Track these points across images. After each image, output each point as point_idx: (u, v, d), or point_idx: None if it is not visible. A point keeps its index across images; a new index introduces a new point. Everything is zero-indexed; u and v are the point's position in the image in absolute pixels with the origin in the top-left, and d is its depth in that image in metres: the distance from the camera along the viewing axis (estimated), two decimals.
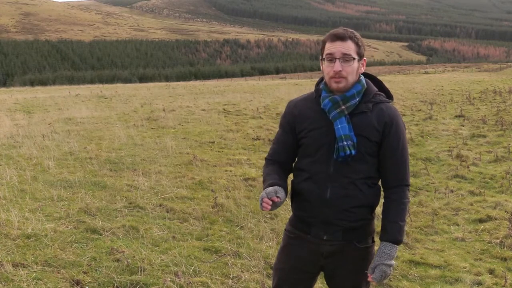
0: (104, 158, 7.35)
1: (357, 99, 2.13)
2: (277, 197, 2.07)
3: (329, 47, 2.10)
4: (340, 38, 2.09)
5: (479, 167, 7.82)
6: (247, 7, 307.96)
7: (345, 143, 2.08)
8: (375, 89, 2.22)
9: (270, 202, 2.05)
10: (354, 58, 2.09)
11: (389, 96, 2.26)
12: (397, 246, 2.16)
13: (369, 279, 2.15)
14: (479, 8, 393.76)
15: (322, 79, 2.25)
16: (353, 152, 2.09)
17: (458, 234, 4.91)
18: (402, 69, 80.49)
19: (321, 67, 2.20)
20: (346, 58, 2.08)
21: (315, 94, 2.23)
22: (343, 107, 2.11)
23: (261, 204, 2.07)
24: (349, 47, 2.09)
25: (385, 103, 2.19)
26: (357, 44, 2.11)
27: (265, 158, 2.38)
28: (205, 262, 3.89)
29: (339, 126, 2.10)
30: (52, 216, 4.62)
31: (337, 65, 2.08)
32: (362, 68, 2.17)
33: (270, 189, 2.10)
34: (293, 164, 2.32)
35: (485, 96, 20.07)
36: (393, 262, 2.14)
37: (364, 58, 2.18)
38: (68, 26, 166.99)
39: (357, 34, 2.14)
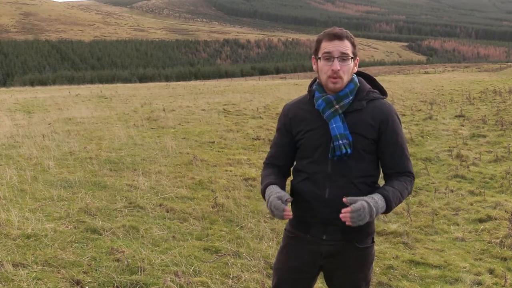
0: (104, 158, 7.35)
1: (350, 97, 2.14)
2: (286, 200, 2.07)
3: (327, 46, 2.10)
4: (338, 37, 2.10)
5: (479, 167, 7.82)
6: (247, 7, 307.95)
7: (340, 142, 2.08)
8: (368, 86, 2.23)
9: (290, 214, 2.06)
10: (351, 58, 2.11)
11: (383, 93, 2.26)
12: (385, 205, 2.04)
13: (342, 219, 1.99)
14: (479, 8, 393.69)
15: (314, 80, 2.26)
16: (349, 150, 2.09)
17: (458, 234, 4.91)
18: (402, 69, 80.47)
19: (314, 67, 2.20)
20: (344, 57, 2.09)
21: (308, 96, 2.24)
22: (336, 106, 2.12)
23: (275, 214, 2.06)
24: (346, 46, 2.10)
25: (379, 100, 2.20)
26: (353, 44, 2.13)
27: (264, 163, 2.39)
28: (205, 262, 3.89)
29: (334, 125, 2.11)
30: (52, 216, 4.62)
31: (336, 64, 2.08)
32: (355, 68, 2.19)
33: (275, 202, 2.05)
34: (292, 167, 2.33)
35: (485, 96, 20.06)
36: (375, 210, 1.99)
37: (357, 58, 2.20)
38: (68, 26, 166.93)
39: (351, 34, 2.16)
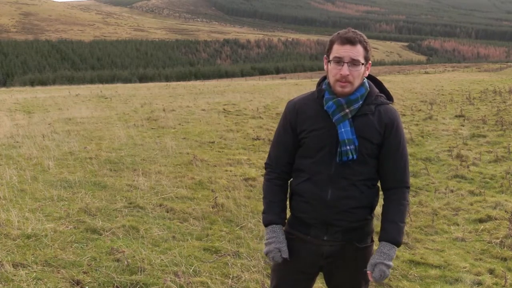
0: (104, 158, 7.34)
1: (360, 102, 2.13)
2: (282, 256, 2.23)
3: (338, 50, 2.07)
4: (351, 41, 2.06)
5: (479, 167, 7.82)
6: (247, 7, 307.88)
7: (348, 147, 2.07)
8: (377, 90, 2.21)
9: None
10: (362, 64, 2.08)
11: (389, 97, 2.25)
12: (396, 247, 2.16)
13: (369, 277, 2.16)
14: (479, 8, 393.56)
15: (323, 78, 2.23)
16: (355, 156, 2.09)
17: (458, 234, 4.91)
18: (402, 69, 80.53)
19: (325, 67, 2.17)
20: (354, 63, 2.06)
21: (316, 94, 2.20)
22: (347, 110, 2.10)
23: (272, 261, 2.27)
24: (358, 51, 2.06)
25: (386, 105, 2.19)
26: (365, 49, 2.09)
27: (266, 163, 2.35)
28: (205, 262, 3.89)
29: (343, 130, 2.09)
30: (52, 216, 4.62)
31: (345, 69, 2.06)
32: (366, 72, 2.16)
33: (275, 255, 2.22)
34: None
35: (485, 96, 20.06)
36: (391, 263, 2.15)
37: (370, 62, 2.16)
38: (68, 26, 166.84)
39: (366, 38, 2.12)
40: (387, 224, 2.17)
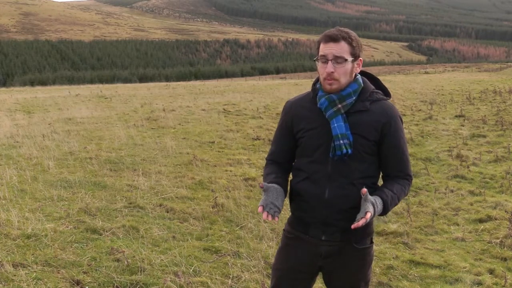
0: (104, 158, 7.35)
1: (354, 97, 2.13)
2: (275, 214, 2.07)
3: (323, 48, 2.09)
4: (333, 39, 2.07)
5: (479, 167, 7.82)
6: (247, 7, 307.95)
7: (341, 141, 2.07)
8: (372, 87, 2.21)
9: (270, 219, 2.06)
10: (346, 60, 2.07)
11: (386, 93, 2.25)
12: (382, 210, 2.07)
13: (357, 224, 1.98)
14: (479, 8, 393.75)
15: (318, 78, 2.25)
16: (349, 151, 2.08)
17: (458, 234, 4.91)
18: (402, 69, 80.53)
19: (317, 67, 2.20)
20: (338, 60, 2.07)
21: (312, 94, 2.23)
22: (339, 105, 2.11)
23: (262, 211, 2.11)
24: (341, 48, 2.06)
25: (383, 101, 2.19)
26: (350, 45, 2.08)
27: (265, 158, 2.41)
28: (205, 262, 3.89)
29: (335, 125, 2.10)
30: (52, 216, 4.62)
31: (329, 67, 2.07)
32: (357, 68, 2.15)
33: (269, 204, 2.08)
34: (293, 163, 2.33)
35: (485, 96, 20.05)
36: (377, 210, 2.04)
37: (360, 58, 2.15)
38: (68, 26, 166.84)
39: (352, 34, 2.10)
40: (386, 190, 2.12)
